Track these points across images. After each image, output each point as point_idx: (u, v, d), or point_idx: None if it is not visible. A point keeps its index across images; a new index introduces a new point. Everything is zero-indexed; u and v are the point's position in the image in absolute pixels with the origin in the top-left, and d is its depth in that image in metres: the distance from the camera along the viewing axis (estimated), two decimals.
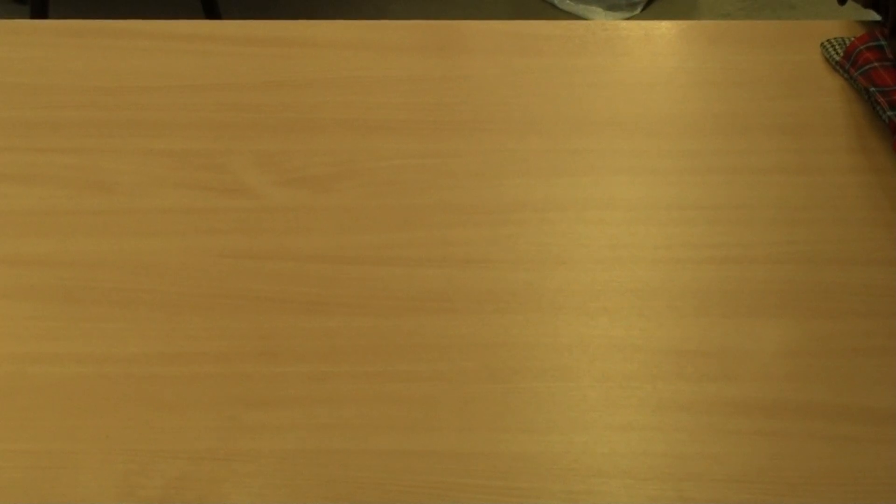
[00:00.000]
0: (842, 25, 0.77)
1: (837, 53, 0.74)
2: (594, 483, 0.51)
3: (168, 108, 0.71)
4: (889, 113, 0.68)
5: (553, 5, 2.08)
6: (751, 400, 0.54)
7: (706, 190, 0.65)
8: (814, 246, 0.62)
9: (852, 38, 0.74)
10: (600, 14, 2.04)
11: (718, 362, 0.56)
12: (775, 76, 0.73)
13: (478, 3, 2.10)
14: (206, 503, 0.50)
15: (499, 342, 0.57)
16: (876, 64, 0.70)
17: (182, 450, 0.52)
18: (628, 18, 2.03)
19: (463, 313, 0.58)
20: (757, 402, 0.54)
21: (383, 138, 0.69)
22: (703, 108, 0.71)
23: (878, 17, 0.75)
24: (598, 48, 0.76)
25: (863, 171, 0.67)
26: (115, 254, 0.61)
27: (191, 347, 0.57)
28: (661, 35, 0.77)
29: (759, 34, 0.77)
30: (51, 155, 0.67)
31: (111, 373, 0.55)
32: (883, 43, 0.72)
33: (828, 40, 0.75)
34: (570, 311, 0.58)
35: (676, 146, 0.68)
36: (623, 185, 0.66)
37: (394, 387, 0.55)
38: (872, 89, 0.70)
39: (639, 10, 2.06)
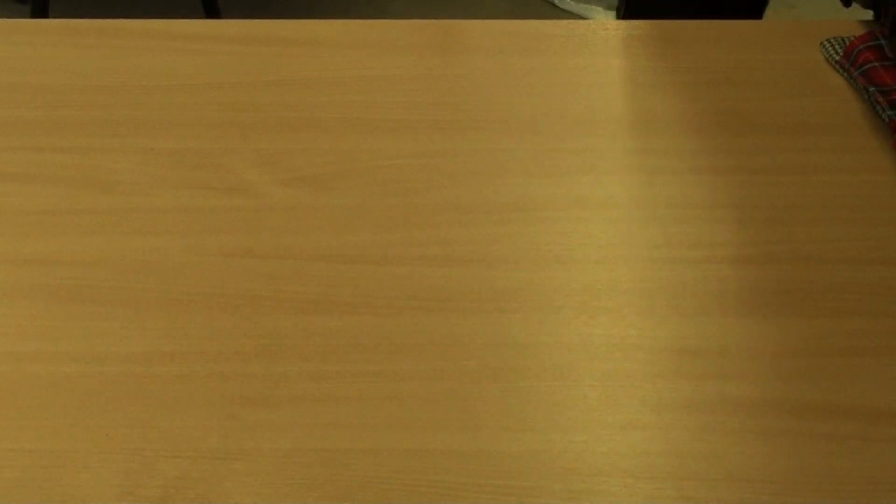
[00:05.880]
0: (842, 25, 0.77)
1: (837, 53, 0.74)
2: (594, 482, 0.51)
3: (168, 107, 0.71)
4: (889, 112, 0.68)
5: (553, 4, 2.08)
6: (751, 399, 0.54)
7: (706, 189, 0.65)
8: (814, 246, 0.62)
9: (852, 38, 0.74)
10: (600, 13, 2.04)
11: (718, 362, 0.56)
12: (775, 76, 0.73)
13: (478, 2, 2.10)
14: (206, 502, 0.50)
15: (499, 342, 0.57)
16: (876, 63, 0.70)
17: (182, 449, 0.52)
18: None
19: (463, 313, 0.58)
20: (757, 401, 0.54)
21: (383, 138, 0.69)
22: (702, 108, 0.71)
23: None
24: (598, 47, 0.76)
25: (863, 170, 0.67)
26: (115, 253, 0.61)
27: (191, 347, 0.57)
28: (660, 34, 0.77)
29: (759, 34, 0.77)
30: (51, 154, 0.67)
31: (111, 372, 0.55)
32: (882, 42, 0.72)
33: (827, 40, 0.75)
34: (570, 310, 0.58)
35: (676, 145, 0.68)
36: (623, 184, 0.66)
37: (394, 386, 0.55)
38: (872, 89, 0.70)
39: None
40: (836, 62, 0.73)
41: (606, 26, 0.77)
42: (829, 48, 0.74)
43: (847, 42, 0.74)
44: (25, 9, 1.86)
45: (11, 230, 0.63)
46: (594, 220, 0.63)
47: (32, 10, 1.75)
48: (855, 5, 0.76)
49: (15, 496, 0.50)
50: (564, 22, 0.78)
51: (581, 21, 0.78)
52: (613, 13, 2.03)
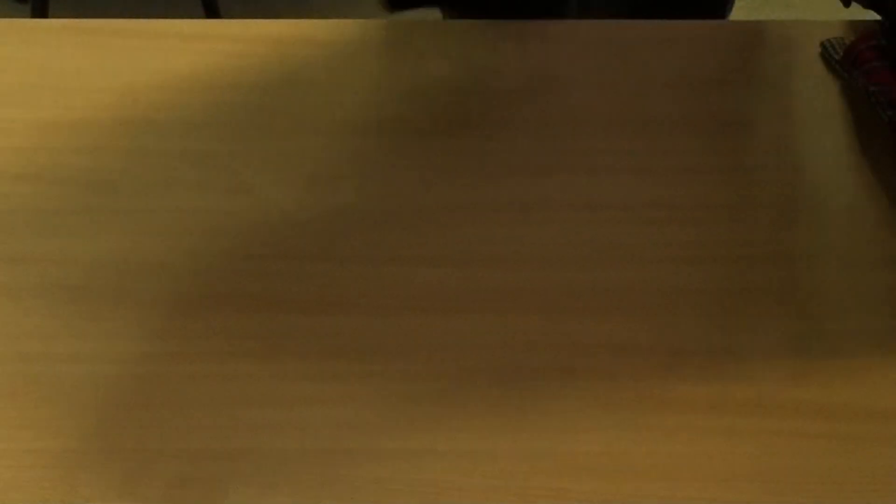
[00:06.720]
0: (842, 25, 0.77)
1: (837, 53, 0.74)
2: (594, 483, 0.51)
3: (168, 107, 0.71)
4: (889, 112, 0.68)
5: None
6: (751, 400, 0.54)
7: (706, 189, 0.65)
8: (814, 246, 0.62)
9: (852, 38, 0.74)
10: None
11: (719, 362, 0.56)
12: (775, 76, 0.73)
13: None
14: (206, 502, 0.50)
15: (499, 342, 0.57)
16: (876, 63, 0.70)
17: (182, 449, 0.52)
18: None
19: (463, 313, 0.58)
20: (757, 401, 0.54)
21: (382, 138, 0.69)
22: (702, 108, 0.71)
23: (878, 17, 0.75)
24: (598, 47, 0.76)
25: (863, 170, 0.67)
26: (117, 254, 0.61)
27: (191, 347, 0.57)
28: (660, 34, 0.77)
29: (759, 34, 0.77)
30: (52, 155, 0.67)
31: (111, 372, 0.55)
32: (883, 42, 0.72)
33: (827, 40, 0.75)
34: (570, 310, 0.58)
35: (676, 145, 0.68)
36: (622, 184, 0.66)
37: (394, 386, 0.55)
38: (872, 89, 0.70)
39: None
40: (837, 62, 0.73)
41: (605, 26, 0.77)
42: (830, 48, 0.74)
43: (847, 42, 0.74)
44: (25, 9, 1.86)
45: (12, 230, 0.63)
46: (594, 221, 0.63)
47: (32, 10, 1.75)
48: (855, 5, 0.76)
49: (15, 496, 0.50)
50: (564, 22, 0.78)
51: (581, 21, 0.78)
52: None
